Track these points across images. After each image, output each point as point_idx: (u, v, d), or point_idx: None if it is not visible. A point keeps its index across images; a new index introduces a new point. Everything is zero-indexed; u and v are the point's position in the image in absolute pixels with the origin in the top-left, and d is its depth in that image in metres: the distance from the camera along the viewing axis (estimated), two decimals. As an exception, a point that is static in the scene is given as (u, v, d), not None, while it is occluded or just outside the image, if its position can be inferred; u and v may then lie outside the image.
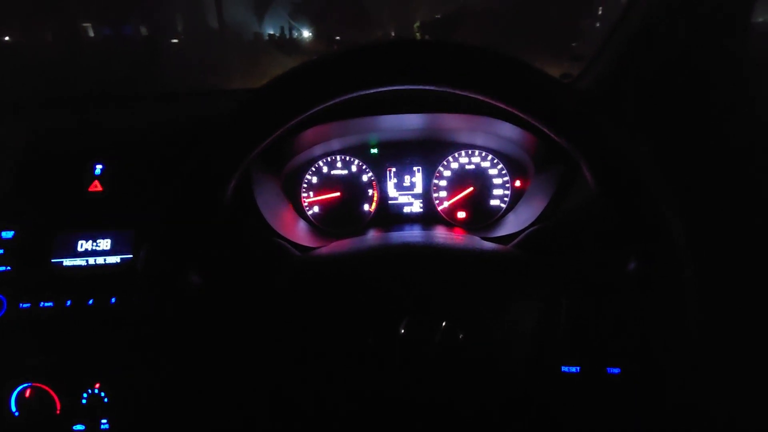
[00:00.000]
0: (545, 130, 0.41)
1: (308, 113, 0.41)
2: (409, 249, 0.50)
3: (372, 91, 0.39)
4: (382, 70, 0.39)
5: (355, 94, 0.39)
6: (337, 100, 0.40)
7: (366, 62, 0.38)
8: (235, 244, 0.60)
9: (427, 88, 0.39)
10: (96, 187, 0.70)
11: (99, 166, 0.71)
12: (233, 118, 0.41)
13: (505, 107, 0.40)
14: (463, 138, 0.88)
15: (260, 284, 0.49)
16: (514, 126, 0.78)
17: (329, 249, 0.54)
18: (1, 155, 0.72)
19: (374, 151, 0.89)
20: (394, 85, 0.39)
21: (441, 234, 0.61)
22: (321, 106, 0.40)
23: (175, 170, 0.63)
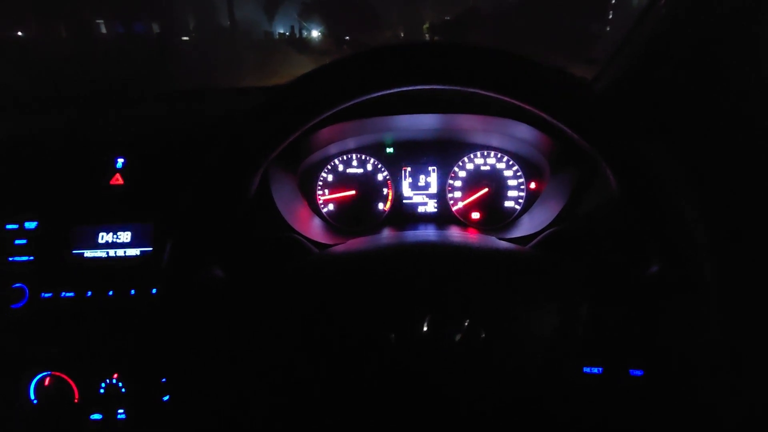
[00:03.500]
0: (569, 132, 0.41)
1: (335, 110, 0.41)
2: (429, 247, 0.50)
3: (404, 89, 0.40)
4: (420, 70, 0.39)
5: (386, 92, 0.40)
6: (365, 98, 0.40)
7: (403, 61, 0.39)
8: (254, 239, 0.61)
9: (458, 89, 0.40)
10: (117, 180, 0.71)
11: (120, 160, 0.72)
12: (262, 111, 0.41)
13: (532, 109, 0.41)
14: (479, 139, 0.88)
15: (280, 279, 0.50)
16: (531, 127, 0.78)
17: (348, 246, 0.54)
18: (24, 148, 0.73)
19: (390, 150, 0.89)
20: (429, 85, 0.40)
21: (458, 234, 0.61)
22: (348, 104, 0.41)
23: (195, 165, 0.64)
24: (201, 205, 0.44)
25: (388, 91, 0.40)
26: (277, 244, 0.60)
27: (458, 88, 0.40)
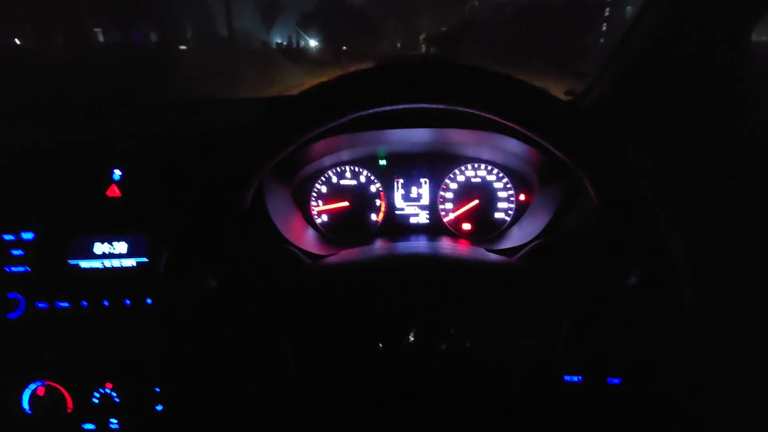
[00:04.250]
0: (551, 148, 0.43)
1: (327, 127, 0.43)
2: (418, 259, 0.52)
3: (393, 108, 0.42)
4: (409, 89, 0.41)
5: (379, 110, 0.42)
6: (353, 117, 0.43)
7: (392, 80, 0.41)
8: (248, 249, 0.62)
9: (442, 107, 0.42)
10: (114, 191, 0.72)
11: (118, 172, 0.73)
12: (260, 124, 0.43)
13: (514, 126, 0.43)
14: (470, 152, 0.90)
15: (273, 290, 0.51)
16: (519, 141, 0.80)
17: (339, 258, 0.56)
18: (22, 158, 0.74)
19: (383, 162, 0.91)
20: (417, 104, 0.42)
21: (448, 245, 0.63)
22: (340, 122, 0.43)
23: (191, 176, 0.66)
24: (197, 216, 0.45)
25: (378, 110, 0.42)
26: (270, 254, 0.61)
27: (443, 106, 0.42)
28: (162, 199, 0.73)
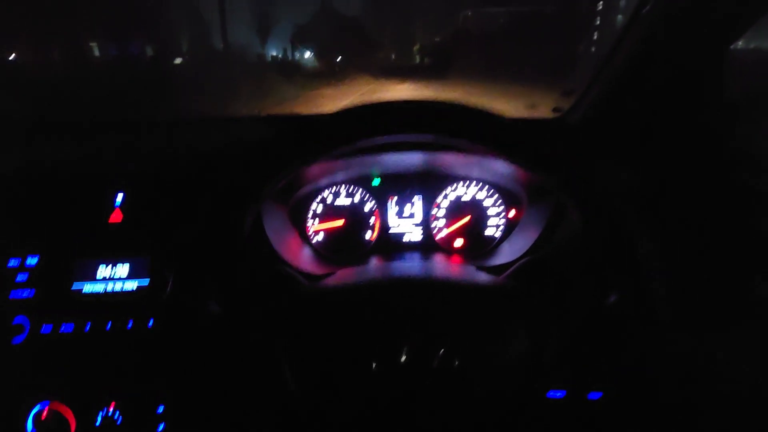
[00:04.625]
0: (535, 174, 0.47)
1: (324, 157, 0.47)
2: (410, 283, 0.55)
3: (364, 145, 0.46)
4: (397, 123, 0.45)
5: (365, 145, 0.46)
6: (355, 146, 0.46)
7: (381, 117, 0.45)
8: (246, 272, 0.65)
9: (428, 140, 0.46)
10: (117, 216, 0.74)
11: (120, 196, 0.75)
12: (263, 151, 0.46)
13: (495, 153, 0.47)
14: (461, 171, 0.93)
15: (271, 314, 0.54)
16: (507, 162, 0.83)
17: (335, 282, 0.58)
18: (24, 183, 0.76)
19: (376, 181, 0.94)
20: (404, 135, 0.46)
21: (439, 266, 0.66)
22: (336, 152, 0.46)
23: (192, 199, 0.69)
24: (200, 243, 0.48)
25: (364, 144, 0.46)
26: (268, 278, 0.64)
27: (434, 139, 0.46)
28: (163, 222, 0.75)
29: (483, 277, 0.59)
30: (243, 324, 0.53)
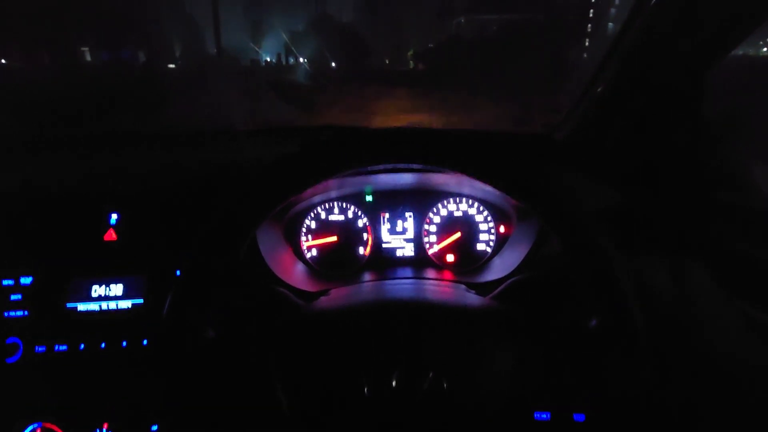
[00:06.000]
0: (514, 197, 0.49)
1: (319, 182, 0.49)
2: (399, 305, 0.56)
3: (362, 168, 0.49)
4: (383, 152, 0.48)
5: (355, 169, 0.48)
6: (350, 171, 0.48)
7: (366, 145, 0.47)
8: (241, 294, 0.66)
9: (414, 166, 0.49)
10: (111, 235, 0.75)
11: (114, 216, 0.76)
12: (260, 178, 0.48)
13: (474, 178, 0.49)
14: (452, 188, 0.95)
15: (264, 336, 0.55)
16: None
17: (328, 302, 0.60)
18: (19, 202, 0.76)
19: (369, 198, 0.95)
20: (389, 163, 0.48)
21: (430, 288, 0.67)
22: (333, 178, 0.48)
23: (187, 218, 0.69)
24: (196, 265, 0.49)
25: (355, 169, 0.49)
26: (262, 299, 0.65)
27: (414, 165, 0.49)
28: (157, 241, 0.76)
29: (472, 299, 0.60)
30: (237, 345, 0.54)
